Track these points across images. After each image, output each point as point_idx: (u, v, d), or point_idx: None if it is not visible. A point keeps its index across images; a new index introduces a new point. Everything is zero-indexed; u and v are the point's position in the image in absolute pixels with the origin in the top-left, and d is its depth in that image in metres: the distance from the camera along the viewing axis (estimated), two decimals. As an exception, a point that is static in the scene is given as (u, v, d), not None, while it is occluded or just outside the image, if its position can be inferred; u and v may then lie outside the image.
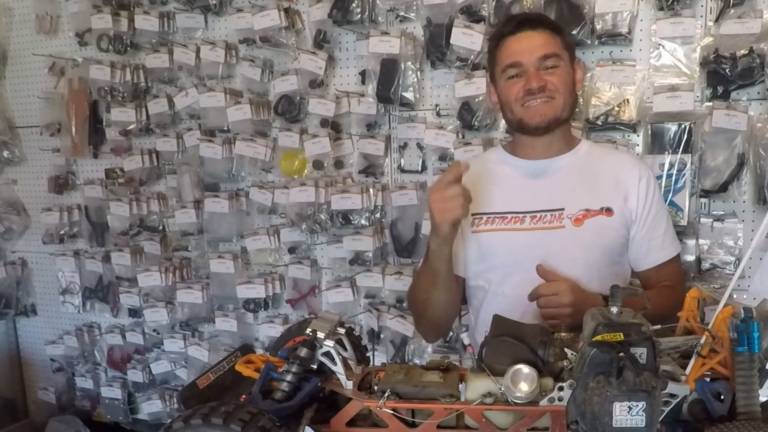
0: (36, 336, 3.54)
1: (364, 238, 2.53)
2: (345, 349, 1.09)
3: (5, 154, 3.33)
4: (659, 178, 2.12)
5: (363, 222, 2.54)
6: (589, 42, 2.18)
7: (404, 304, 2.52)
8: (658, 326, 0.96)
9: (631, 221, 1.63)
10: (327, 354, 1.03)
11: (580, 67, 1.71)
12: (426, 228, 2.38)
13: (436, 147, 2.43)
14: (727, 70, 2.05)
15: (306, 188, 2.55)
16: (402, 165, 2.56)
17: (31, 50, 3.21)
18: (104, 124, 3.07)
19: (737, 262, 2.11)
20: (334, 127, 2.60)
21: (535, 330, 1.02)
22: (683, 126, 2.11)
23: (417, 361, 2.53)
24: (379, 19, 2.45)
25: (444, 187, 1.47)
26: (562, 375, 0.96)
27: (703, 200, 2.17)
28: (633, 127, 2.19)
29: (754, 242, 1.04)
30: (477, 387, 0.96)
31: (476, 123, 2.34)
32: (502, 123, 2.27)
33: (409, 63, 2.42)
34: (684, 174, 2.13)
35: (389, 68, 2.41)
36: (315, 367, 1.03)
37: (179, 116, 2.89)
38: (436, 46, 2.38)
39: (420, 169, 2.53)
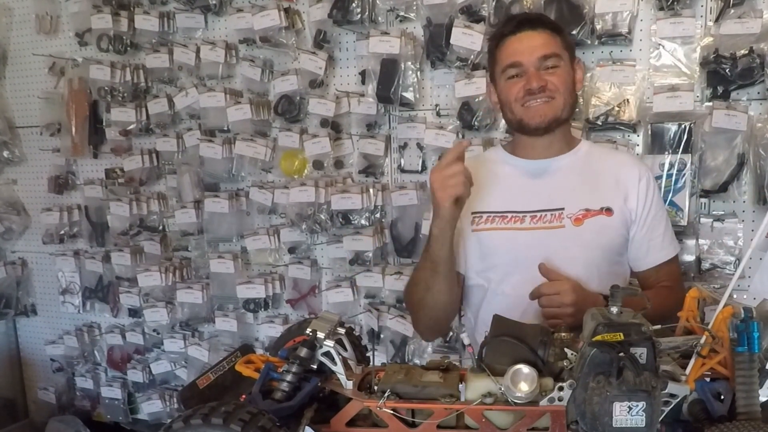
0: (36, 336, 3.54)
1: (364, 238, 2.53)
2: (345, 349, 1.09)
3: (5, 154, 3.33)
4: (659, 178, 2.12)
5: (363, 222, 2.54)
6: (589, 42, 2.18)
7: (404, 305, 2.52)
8: (658, 326, 0.96)
9: (630, 221, 1.63)
10: (327, 354, 1.03)
11: (580, 67, 1.71)
12: (426, 228, 2.38)
13: (436, 147, 2.43)
14: (727, 70, 2.05)
15: (306, 188, 2.55)
16: (402, 165, 2.56)
17: (31, 50, 3.21)
18: (104, 124, 3.07)
19: (737, 262, 2.11)
20: (334, 127, 2.60)
21: (535, 330, 1.02)
22: (683, 126, 2.11)
23: (417, 361, 2.53)
24: (379, 19, 2.45)
25: (445, 166, 1.46)
26: (562, 375, 0.96)
27: (703, 200, 2.17)
28: (633, 127, 2.19)
29: (754, 242, 1.04)
30: (477, 387, 0.96)
31: (476, 123, 2.34)
32: (502, 123, 2.27)
33: (409, 63, 2.42)
34: (684, 174, 2.13)
35: (389, 68, 2.41)
36: (315, 367, 1.03)
37: (179, 116, 2.89)
38: (436, 46, 2.38)
39: (420, 169, 2.52)
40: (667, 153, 2.14)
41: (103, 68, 2.92)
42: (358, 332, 1.82)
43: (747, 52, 2.02)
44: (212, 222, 2.83)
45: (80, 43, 3.05)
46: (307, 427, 0.97)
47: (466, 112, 2.35)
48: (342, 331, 1.10)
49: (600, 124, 2.21)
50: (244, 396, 1.03)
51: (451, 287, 1.61)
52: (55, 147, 3.21)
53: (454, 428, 0.99)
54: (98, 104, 3.08)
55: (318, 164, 2.60)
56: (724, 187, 2.10)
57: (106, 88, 2.97)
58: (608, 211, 1.61)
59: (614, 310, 0.93)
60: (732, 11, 2.02)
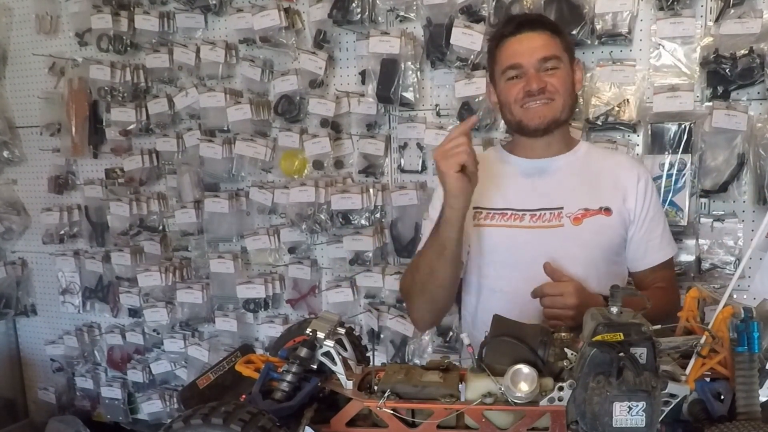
0: (36, 336, 3.54)
1: (364, 238, 2.53)
2: (345, 349, 1.08)
3: (5, 154, 3.33)
4: (659, 178, 2.12)
5: (363, 222, 2.54)
6: (589, 42, 2.18)
7: (404, 305, 2.51)
8: (658, 326, 0.96)
9: (629, 221, 1.64)
10: (327, 354, 1.03)
11: (580, 67, 1.71)
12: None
13: (436, 147, 2.43)
14: (727, 70, 2.05)
15: (306, 188, 2.55)
16: (402, 165, 2.56)
17: (31, 50, 3.21)
18: (104, 124, 3.07)
19: (737, 262, 2.11)
20: (334, 127, 2.60)
21: (535, 330, 1.02)
22: (683, 126, 2.11)
23: (417, 361, 2.53)
24: (379, 19, 2.45)
25: (448, 141, 1.45)
26: (562, 375, 0.96)
27: (703, 200, 2.17)
28: (633, 127, 2.19)
29: (754, 242, 1.04)
30: (477, 387, 0.96)
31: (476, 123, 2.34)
32: (502, 123, 2.27)
33: (409, 63, 2.42)
34: (684, 174, 2.13)
35: (389, 68, 2.41)
36: (315, 367, 1.03)
37: (179, 116, 2.89)
38: (436, 46, 2.38)
39: (420, 169, 2.53)
40: (667, 153, 2.14)
41: (103, 68, 2.92)
42: (358, 332, 1.81)
43: (747, 52, 2.02)
44: (212, 222, 2.83)
45: (80, 43, 3.05)
46: (307, 427, 0.97)
47: (466, 112, 2.35)
48: (342, 331, 1.10)
49: (600, 124, 2.21)
50: (244, 396, 1.03)
51: (454, 273, 1.59)
52: (55, 147, 3.21)
53: (454, 428, 0.99)
54: (98, 104, 3.07)
55: (318, 164, 2.60)
56: (724, 187, 2.10)
57: (106, 88, 2.97)
58: (607, 210, 1.61)
59: (614, 310, 0.93)
60: (732, 11, 2.02)
